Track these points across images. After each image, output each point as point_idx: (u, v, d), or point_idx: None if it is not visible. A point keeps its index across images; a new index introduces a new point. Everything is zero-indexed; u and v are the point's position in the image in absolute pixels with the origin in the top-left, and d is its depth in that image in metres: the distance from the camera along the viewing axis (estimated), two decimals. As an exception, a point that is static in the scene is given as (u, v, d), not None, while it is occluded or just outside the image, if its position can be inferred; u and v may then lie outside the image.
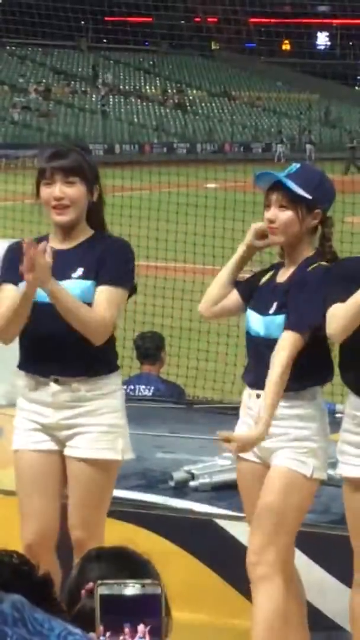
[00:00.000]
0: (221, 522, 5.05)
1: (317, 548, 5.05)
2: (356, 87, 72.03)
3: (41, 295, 4.16)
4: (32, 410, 4.28)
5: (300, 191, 4.08)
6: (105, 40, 61.41)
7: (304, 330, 4.02)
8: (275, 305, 4.11)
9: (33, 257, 3.95)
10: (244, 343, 4.31)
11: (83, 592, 2.02)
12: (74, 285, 4.17)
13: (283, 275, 4.20)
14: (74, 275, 4.19)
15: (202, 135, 59.17)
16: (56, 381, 4.23)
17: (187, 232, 12.15)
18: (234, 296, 4.29)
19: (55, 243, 4.26)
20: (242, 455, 4.19)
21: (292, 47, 67.25)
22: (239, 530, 5.12)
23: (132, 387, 7.92)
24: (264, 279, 4.27)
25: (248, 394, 4.21)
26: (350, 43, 71.40)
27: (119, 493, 5.51)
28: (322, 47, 77.79)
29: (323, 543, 5.04)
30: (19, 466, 4.34)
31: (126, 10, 37.15)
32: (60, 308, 4.07)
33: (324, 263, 4.15)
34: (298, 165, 4.20)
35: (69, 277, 4.19)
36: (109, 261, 4.20)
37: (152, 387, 7.85)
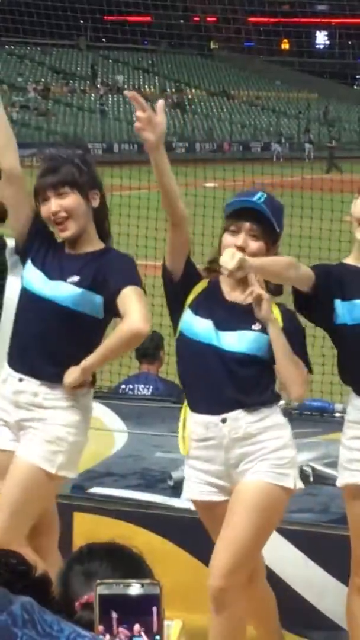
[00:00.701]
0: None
1: (316, 548, 5.06)
2: (355, 86, 72.01)
3: (39, 288, 4.21)
4: (1, 406, 4.33)
5: (275, 223, 4.03)
6: (104, 39, 61.40)
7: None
8: (259, 324, 3.97)
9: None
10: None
11: (78, 604, 2.00)
12: (63, 288, 4.20)
13: (238, 297, 4.05)
14: (69, 280, 4.22)
15: (201, 135, 59.15)
16: (21, 380, 4.26)
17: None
18: (187, 246, 4.07)
19: (67, 247, 4.31)
20: (198, 497, 4.04)
21: (291, 46, 67.24)
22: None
23: (130, 386, 7.92)
24: (200, 287, 4.08)
25: (205, 423, 3.98)
26: (349, 42, 71.36)
27: (118, 492, 5.52)
28: (321, 46, 77.77)
29: (322, 542, 5.04)
30: None
31: (125, 9, 37.12)
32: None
33: (285, 305, 4.10)
34: (264, 194, 4.08)
35: (64, 280, 4.22)
36: (115, 268, 4.20)
37: (151, 387, 7.85)
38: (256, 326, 3.98)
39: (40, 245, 4.32)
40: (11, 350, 4.34)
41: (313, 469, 5.67)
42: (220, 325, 4.00)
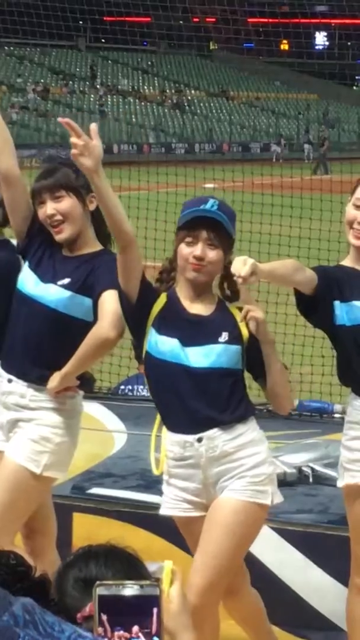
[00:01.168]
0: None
1: (315, 548, 5.06)
2: (354, 87, 72.00)
3: (30, 290, 4.22)
4: None
5: (230, 230, 3.95)
6: (103, 40, 61.36)
7: None
8: (224, 334, 3.91)
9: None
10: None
11: (79, 616, 1.98)
12: (53, 291, 4.22)
13: (197, 309, 3.97)
14: (59, 282, 4.23)
15: (201, 135, 59.14)
16: (10, 381, 4.28)
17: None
18: (140, 261, 3.93)
19: (64, 249, 4.31)
20: (175, 513, 4.00)
21: (290, 47, 67.16)
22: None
23: (130, 387, 7.92)
24: (159, 305, 3.97)
25: (182, 442, 3.91)
26: (349, 43, 71.36)
27: (117, 493, 5.52)
28: (321, 47, 77.74)
29: (321, 543, 5.04)
30: None
31: (124, 10, 37.10)
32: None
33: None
34: (216, 201, 3.98)
35: (54, 282, 4.23)
36: (103, 270, 4.18)
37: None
38: (222, 338, 3.92)
39: (39, 246, 4.32)
40: (3, 351, 4.35)
41: (312, 469, 5.67)
42: (186, 342, 3.92)
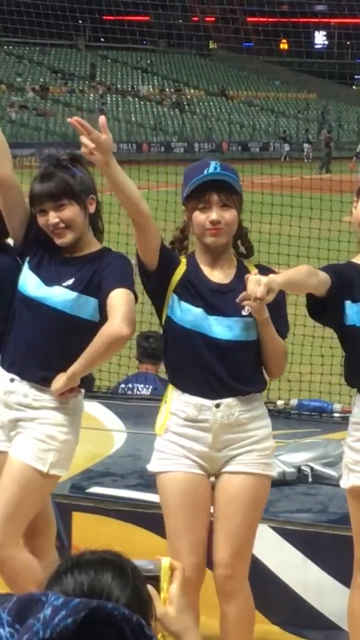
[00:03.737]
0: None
1: (314, 547, 5.06)
2: (354, 87, 72.02)
3: (34, 292, 4.22)
4: None
5: (237, 187, 3.99)
6: (102, 39, 61.34)
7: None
8: (248, 308, 3.92)
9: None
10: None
11: None
12: (58, 293, 4.21)
13: (217, 277, 4.02)
14: (64, 283, 4.22)
15: (200, 135, 59.14)
16: (12, 380, 4.28)
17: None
18: (157, 244, 3.96)
19: (62, 248, 4.30)
20: (176, 468, 4.01)
21: (289, 46, 67.15)
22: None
23: (130, 385, 7.91)
24: (180, 273, 4.02)
25: (199, 406, 3.98)
26: (348, 42, 71.35)
27: (116, 492, 5.51)
28: (320, 47, 77.74)
29: (321, 542, 5.04)
30: None
31: (124, 9, 37.10)
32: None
33: (263, 266, 4.08)
34: (217, 161, 4.01)
35: (59, 284, 4.23)
36: (110, 270, 4.19)
37: (151, 386, 7.84)
38: (245, 311, 3.96)
39: (37, 248, 4.31)
40: (3, 351, 4.35)
41: (312, 468, 5.66)
42: (210, 312, 3.98)
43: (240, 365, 4.00)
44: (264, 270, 4.00)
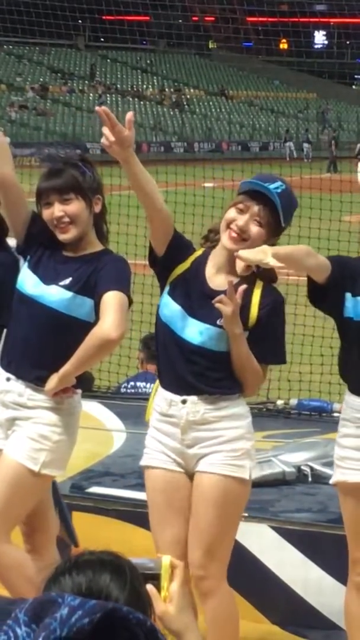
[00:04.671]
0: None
1: (314, 547, 5.06)
2: (354, 86, 72.00)
3: (31, 291, 4.24)
4: None
5: (282, 216, 3.96)
6: (102, 39, 61.36)
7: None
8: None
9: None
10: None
11: None
12: (54, 292, 4.22)
13: (217, 280, 4.00)
14: (61, 283, 4.23)
15: (200, 134, 59.12)
16: (8, 380, 4.29)
17: (185, 231, 12.07)
18: (169, 229, 4.01)
19: (63, 246, 4.31)
20: (155, 464, 4.06)
21: (289, 46, 67.17)
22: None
23: (132, 383, 7.91)
24: (185, 266, 4.04)
25: (169, 400, 4.01)
26: (348, 42, 71.35)
27: (116, 492, 5.52)
28: (320, 46, 77.74)
29: (320, 542, 5.04)
30: None
31: (124, 9, 37.13)
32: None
33: (272, 291, 4.05)
34: (283, 185, 4.01)
35: (56, 283, 4.23)
36: (106, 271, 4.19)
37: (150, 384, 7.84)
38: (220, 321, 3.94)
39: (39, 247, 4.31)
40: (2, 349, 4.37)
41: (312, 468, 5.67)
42: (189, 312, 3.99)
43: (205, 371, 3.97)
44: (269, 301, 3.99)
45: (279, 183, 4.01)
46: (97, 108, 3.92)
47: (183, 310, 3.99)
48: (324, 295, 3.98)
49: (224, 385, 3.98)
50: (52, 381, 4.18)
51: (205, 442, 3.99)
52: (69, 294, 4.20)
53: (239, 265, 3.80)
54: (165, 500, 4.07)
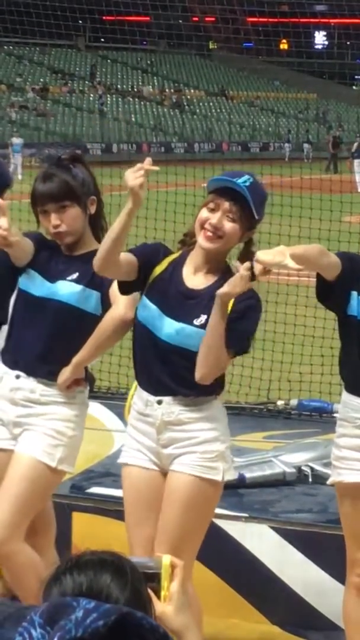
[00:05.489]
0: (219, 522, 5.05)
1: (314, 547, 5.06)
2: (354, 87, 72.01)
3: (38, 290, 4.26)
4: None
5: (254, 209, 3.95)
6: (103, 40, 61.35)
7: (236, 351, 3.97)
8: (203, 317, 3.92)
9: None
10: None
11: None
12: (65, 286, 4.27)
13: (194, 280, 4.00)
14: (69, 277, 4.28)
15: (200, 135, 59.16)
16: (18, 377, 4.29)
17: (185, 231, 12.06)
18: (132, 263, 3.96)
19: (62, 248, 4.35)
20: (132, 462, 4.07)
21: (289, 47, 67.17)
22: (236, 530, 5.12)
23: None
24: (160, 268, 4.04)
25: (145, 400, 4.03)
26: (348, 42, 71.37)
27: (116, 492, 5.52)
28: (320, 47, 77.77)
29: (320, 542, 5.04)
30: None
31: (124, 9, 37.11)
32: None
33: (250, 289, 3.93)
34: (251, 178, 4.00)
35: (64, 278, 4.28)
36: None
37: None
38: (198, 321, 3.94)
39: (39, 250, 4.34)
40: (7, 350, 4.38)
41: (312, 469, 5.67)
42: (165, 311, 3.99)
43: (180, 371, 3.95)
44: (247, 291, 3.89)
45: (246, 177, 4.00)
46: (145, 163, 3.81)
47: (159, 310, 4.00)
48: (330, 292, 3.98)
49: (199, 387, 3.96)
50: (66, 372, 4.22)
51: (179, 443, 4.00)
52: (78, 287, 4.25)
53: (257, 268, 3.75)
54: (140, 498, 4.08)
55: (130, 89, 63.63)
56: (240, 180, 3.96)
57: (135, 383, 4.19)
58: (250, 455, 5.83)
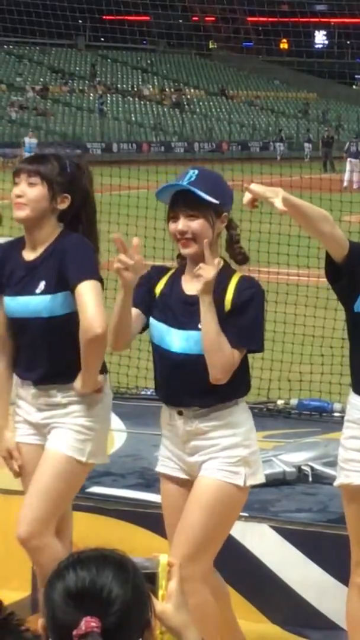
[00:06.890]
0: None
1: (314, 547, 5.06)
2: (354, 86, 71.99)
3: (14, 311, 4.34)
4: (21, 405, 4.44)
5: (207, 197, 3.94)
6: (103, 39, 61.34)
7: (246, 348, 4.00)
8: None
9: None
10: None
11: (75, 634, 1.93)
12: (36, 302, 4.28)
13: (193, 287, 3.99)
14: (37, 290, 4.28)
15: (200, 134, 59.13)
16: (36, 384, 4.37)
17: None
18: (138, 318, 4.09)
19: (26, 250, 4.37)
20: (164, 471, 4.17)
21: (289, 46, 67.17)
22: (236, 529, 5.12)
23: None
24: (160, 287, 4.12)
25: (169, 412, 4.12)
26: (348, 42, 71.36)
27: (117, 492, 5.52)
28: (320, 46, 77.75)
29: (321, 542, 5.04)
30: (18, 458, 4.46)
31: (124, 9, 37.14)
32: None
33: (247, 278, 4.03)
34: (196, 170, 4.03)
35: (33, 293, 4.29)
36: (70, 258, 4.23)
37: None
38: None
39: (2, 268, 4.38)
40: (18, 363, 4.43)
41: (312, 468, 5.67)
42: (172, 324, 4.04)
43: (197, 380, 3.97)
44: (245, 287, 3.98)
45: (190, 173, 4.01)
46: (114, 235, 3.90)
47: (166, 325, 4.05)
48: (339, 275, 3.95)
49: (218, 394, 3.99)
50: (78, 389, 4.26)
51: (203, 451, 4.05)
52: (48, 297, 4.26)
53: (246, 198, 3.78)
54: (174, 507, 4.14)
55: (130, 89, 63.60)
56: (185, 180, 3.99)
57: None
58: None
